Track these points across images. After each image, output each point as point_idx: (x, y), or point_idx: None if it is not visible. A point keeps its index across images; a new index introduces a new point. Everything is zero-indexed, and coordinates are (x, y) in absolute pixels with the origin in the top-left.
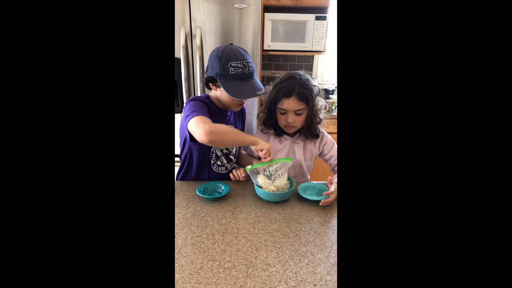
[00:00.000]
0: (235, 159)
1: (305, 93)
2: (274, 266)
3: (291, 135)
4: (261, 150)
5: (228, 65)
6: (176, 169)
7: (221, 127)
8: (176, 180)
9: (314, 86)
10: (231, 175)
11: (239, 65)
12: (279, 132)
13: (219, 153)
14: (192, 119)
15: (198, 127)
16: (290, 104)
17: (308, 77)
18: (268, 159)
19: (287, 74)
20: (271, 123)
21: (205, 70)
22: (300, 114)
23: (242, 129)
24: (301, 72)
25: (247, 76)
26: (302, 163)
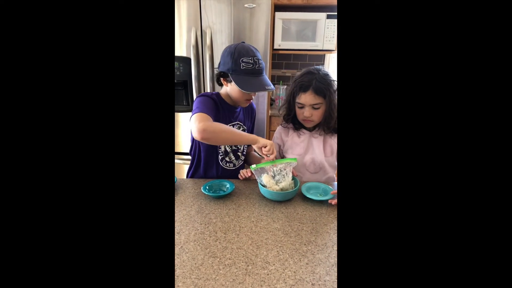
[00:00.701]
0: (244, 157)
1: (322, 88)
2: (274, 264)
3: (310, 129)
4: (265, 147)
5: (240, 60)
6: (187, 167)
7: (217, 126)
8: (187, 176)
9: (333, 81)
10: (239, 175)
11: (250, 61)
12: (298, 126)
13: (228, 149)
14: (193, 115)
15: (194, 124)
16: (307, 98)
17: (327, 72)
18: (271, 157)
19: (306, 69)
20: (290, 117)
21: (216, 66)
22: (318, 108)
23: (252, 127)
24: (321, 68)
25: (257, 72)
26: (323, 159)
